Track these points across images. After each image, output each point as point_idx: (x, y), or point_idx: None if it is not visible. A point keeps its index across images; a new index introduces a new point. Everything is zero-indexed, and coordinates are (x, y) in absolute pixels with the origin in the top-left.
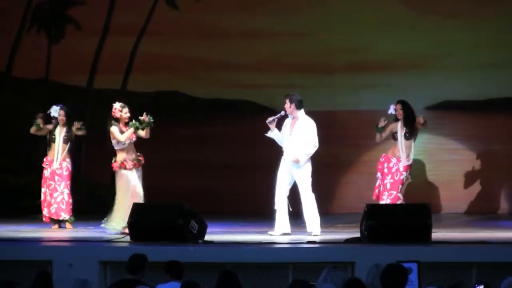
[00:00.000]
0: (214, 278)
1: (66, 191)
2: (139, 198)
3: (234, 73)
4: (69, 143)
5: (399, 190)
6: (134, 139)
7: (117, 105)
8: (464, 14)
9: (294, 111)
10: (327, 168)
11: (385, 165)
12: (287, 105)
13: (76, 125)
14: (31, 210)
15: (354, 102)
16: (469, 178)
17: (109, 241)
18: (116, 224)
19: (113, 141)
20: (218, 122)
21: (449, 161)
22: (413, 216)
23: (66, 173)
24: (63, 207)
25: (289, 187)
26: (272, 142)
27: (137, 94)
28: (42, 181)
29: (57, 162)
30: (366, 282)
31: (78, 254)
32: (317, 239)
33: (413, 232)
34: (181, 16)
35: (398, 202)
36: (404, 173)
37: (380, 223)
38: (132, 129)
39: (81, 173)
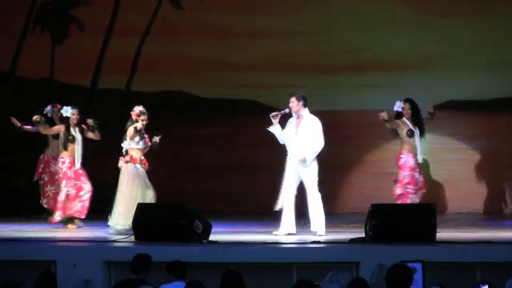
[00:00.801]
0: (219, 278)
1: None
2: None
3: (237, 73)
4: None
5: (423, 189)
6: (148, 145)
7: (137, 109)
8: (467, 13)
9: (300, 109)
10: (331, 168)
11: (411, 163)
12: (294, 103)
13: (90, 122)
14: (32, 210)
15: (357, 102)
16: (473, 177)
17: (113, 241)
18: (122, 223)
19: (128, 140)
20: (221, 122)
21: (453, 161)
22: (417, 216)
23: (85, 172)
24: (87, 205)
25: (296, 186)
26: (275, 141)
27: (141, 94)
28: (65, 181)
29: (79, 162)
30: (370, 282)
31: (82, 254)
32: (321, 239)
33: (418, 232)
34: (185, 16)
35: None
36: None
37: (385, 223)
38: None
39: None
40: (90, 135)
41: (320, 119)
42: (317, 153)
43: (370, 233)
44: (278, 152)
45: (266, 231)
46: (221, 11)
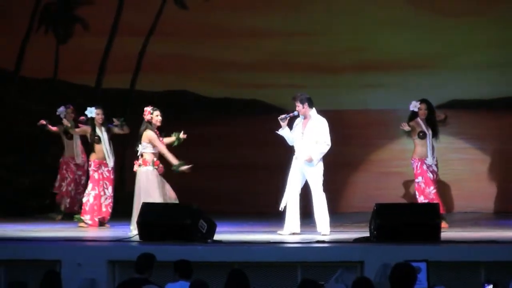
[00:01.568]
0: (223, 278)
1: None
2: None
3: (241, 73)
4: (111, 143)
5: (436, 189)
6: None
7: (148, 108)
8: (471, 13)
9: (307, 111)
10: (335, 168)
11: (424, 167)
12: (299, 107)
13: (116, 122)
14: (36, 210)
15: (361, 102)
16: (478, 177)
17: (118, 240)
18: None
19: (143, 144)
20: (224, 122)
21: (457, 160)
22: (422, 215)
23: (112, 176)
24: (110, 210)
25: (301, 186)
26: (280, 141)
27: (145, 93)
28: (94, 184)
29: (111, 162)
30: (375, 281)
31: (86, 253)
32: (326, 238)
33: (422, 231)
34: (190, 16)
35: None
36: (437, 173)
37: (389, 222)
38: (172, 139)
39: None
40: (118, 130)
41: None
42: (323, 154)
43: (375, 232)
44: (279, 152)
45: (270, 231)
46: (225, 11)
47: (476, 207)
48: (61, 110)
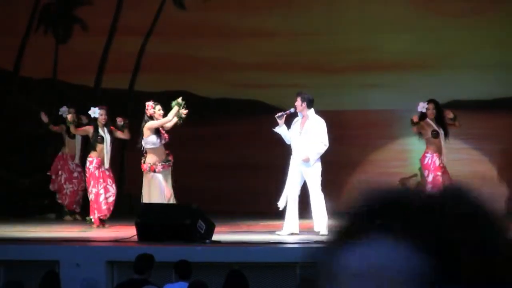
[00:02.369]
0: (222, 278)
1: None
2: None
3: (241, 73)
4: (112, 145)
5: None
6: (166, 139)
7: (149, 102)
8: (470, 13)
9: (305, 110)
10: (334, 168)
11: (437, 162)
12: (298, 103)
13: (120, 121)
14: (36, 210)
15: (361, 102)
16: (477, 177)
17: (116, 241)
18: None
19: (145, 139)
20: (223, 122)
21: (456, 161)
22: None
23: (112, 174)
24: (111, 208)
25: (300, 186)
26: (280, 141)
27: (144, 94)
28: (95, 182)
29: (108, 163)
30: None
31: (85, 254)
32: (324, 238)
33: None
34: (188, 16)
35: None
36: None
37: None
38: (175, 108)
39: None
40: (119, 134)
41: (323, 119)
42: (320, 154)
43: None
44: (279, 152)
45: (269, 231)
46: (225, 11)
47: None
48: (63, 109)
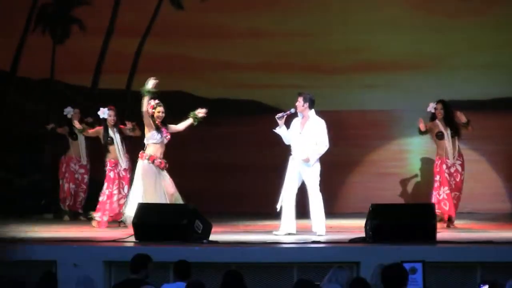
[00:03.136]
0: (219, 278)
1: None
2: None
3: (238, 73)
4: (124, 143)
5: (460, 190)
6: (167, 139)
7: (152, 102)
8: (468, 14)
9: (306, 110)
10: (332, 168)
11: (444, 166)
12: (300, 103)
13: (129, 125)
14: (34, 210)
15: (359, 102)
16: (475, 177)
17: (114, 241)
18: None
19: (147, 135)
20: (222, 122)
21: None
22: (418, 216)
23: (129, 175)
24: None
25: (298, 186)
26: (277, 141)
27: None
28: (109, 183)
29: (124, 162)
30: (371, 282)
31: (82, 254)
32: (322, 239)
33: (418, 232)
34: (186, 16)
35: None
36: (463, 173)
37: (385, 223)
38: (189, 121)
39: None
40: (129, 132)
41: (322, 119)
42: (320, 155)
43: (371, 233)
44: (279, 152)
45: (266, 231)
46: (222, 11)
47: (473, 207)
48: (68, 110)
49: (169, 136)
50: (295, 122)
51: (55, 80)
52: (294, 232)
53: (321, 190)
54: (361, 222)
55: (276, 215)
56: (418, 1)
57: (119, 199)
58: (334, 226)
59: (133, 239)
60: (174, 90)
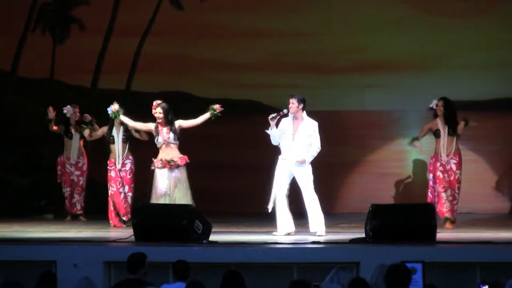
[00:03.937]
0: (219, 278)
1: (130, 194)
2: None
3: (238, 73)
4: (128, 143)
5: (456, 189)
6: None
7: (155, 102)
8: (467, 13)
9: (300, 112)
10: (331, 168)
11: (438, 164)
12: (295, 104)
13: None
14: (34, 210)
15: (358, 102)
16: (474, 178)
17: (114, 241)
18: None
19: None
20: (222, 122)
21: None
22: (417, 216)
23: (129, 176)
24: (128, 209)
25: (288, 185)
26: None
27: (141, 94)
28: (111, 182)
29: (120, 163)
30: (370, 282)
31: (82, 254)
32: (321, 239)
33: (418, 232)
34: (186, 16)
35: (455, 202)
36: (458, 171)
37: (385, 223)
38: (207, 115)
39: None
40: (137, 135)
41: (320, 119)
42: (314, 157)
43: (371, 233)
44: (279, 152)
45: (266, 231)
46: (222, 11)
47: (472, 208)
48: (68, 108)
49: (170, 136)
50: (286, 123)
51: (55, 80)
52: (293, 230)
53: (320, 190)
54: (361, 222)
55: (268, 215)
56: (418, 1)
57: (125, 197)
58: (334, 226)
59: (133, 239)
60: (174, 90)
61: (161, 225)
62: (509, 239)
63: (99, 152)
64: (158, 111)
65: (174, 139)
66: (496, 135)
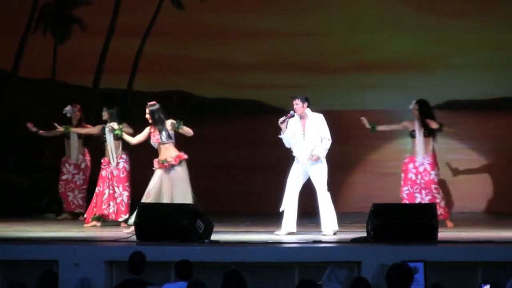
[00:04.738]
0: (220, 278)
1: (126, 193)
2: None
3: (239, 73)
4: (121, 141)
5: (433, 189)
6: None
7: (149, 103)
8: (468, 14)
9: (305, 110)
10: (333, 168)
11: (410, 165)
12: (299, 105)
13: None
14: (35, 210)
15: (359, 102)
16: (474, 177)
17: (115, 241)
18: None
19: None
20: (222, 122)
21: (453, 161)
22: (419, 215)
23: (123, 175)
24: (123, 209)
25: (300, 187)
26: (277, 141)
27: (142, 94)
28: (99, 181)
29: (114, 161)
30: (372, 281)
31: (84, 254)
32: (327, 238)
33: (419, 232)
34: (187, 17)
35: (437, 201)
36: (433, 172)
37: (386, 222)
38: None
39: None
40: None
41: None
42: (327, 150)
43: (372, 232)
44: (277, 153)
45: (267, 231)
46: (223, 11)
47: (473, 207)
48: (67, 109)
49: (162, 136)
50: (294, 124)
51: (56, 80)
52: (295, 231)
53: (327, 190)
54: (362, 222)
55: (277, 214)
56: (418, 1)
57: (109, 199)
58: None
59: (134, 239)
60: (174, 90)
61: (162, 225)
62: (510, 238)
63: (99, 152)
64: (146, 113)
65: (166, 138)
66: (496, 135)
